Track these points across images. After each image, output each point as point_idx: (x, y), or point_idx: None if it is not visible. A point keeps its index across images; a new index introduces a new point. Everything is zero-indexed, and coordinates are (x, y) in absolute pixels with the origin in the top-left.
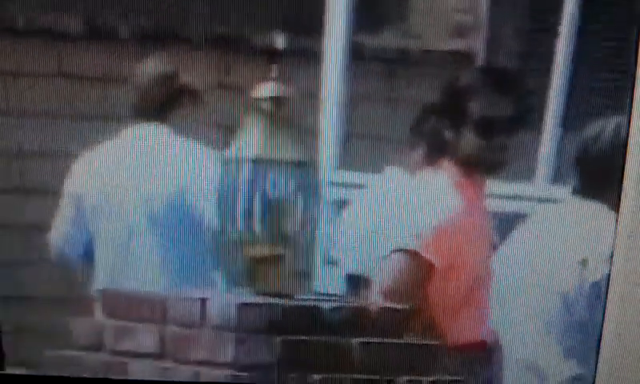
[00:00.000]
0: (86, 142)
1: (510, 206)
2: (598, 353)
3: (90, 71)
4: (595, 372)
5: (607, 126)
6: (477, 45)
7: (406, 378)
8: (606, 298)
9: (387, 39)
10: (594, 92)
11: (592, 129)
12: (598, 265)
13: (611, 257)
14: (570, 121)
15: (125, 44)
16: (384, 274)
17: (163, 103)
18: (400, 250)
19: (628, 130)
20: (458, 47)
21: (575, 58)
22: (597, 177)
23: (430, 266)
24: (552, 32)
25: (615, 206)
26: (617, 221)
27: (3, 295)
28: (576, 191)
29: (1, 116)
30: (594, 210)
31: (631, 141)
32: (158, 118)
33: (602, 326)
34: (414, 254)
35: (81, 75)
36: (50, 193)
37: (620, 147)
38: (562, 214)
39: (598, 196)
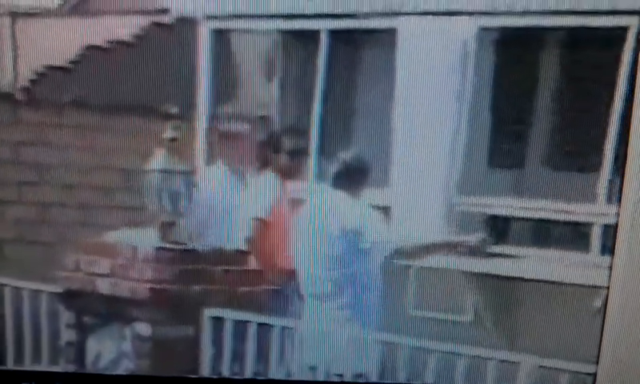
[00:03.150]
0: None
1: (298, 194)
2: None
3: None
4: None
5: (346, 151)
6: (273, 111)
7: (246, 288)
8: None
9: (229, 108)
10: (340, 129)
11: (340, 153)
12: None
13: None
14: (326, 147)
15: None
16: (248, 230)
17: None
18: (257, 218)
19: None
20: (264, 113)
21: (322, 115)
22: (343, 178)
23: (270, 225)
24: (309, 104)
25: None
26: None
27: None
28: (331, 185)
29: None
30: (340, 196)
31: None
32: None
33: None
34: (263, 220)
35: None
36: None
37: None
38: (323, 197)
39: (344, 189)
